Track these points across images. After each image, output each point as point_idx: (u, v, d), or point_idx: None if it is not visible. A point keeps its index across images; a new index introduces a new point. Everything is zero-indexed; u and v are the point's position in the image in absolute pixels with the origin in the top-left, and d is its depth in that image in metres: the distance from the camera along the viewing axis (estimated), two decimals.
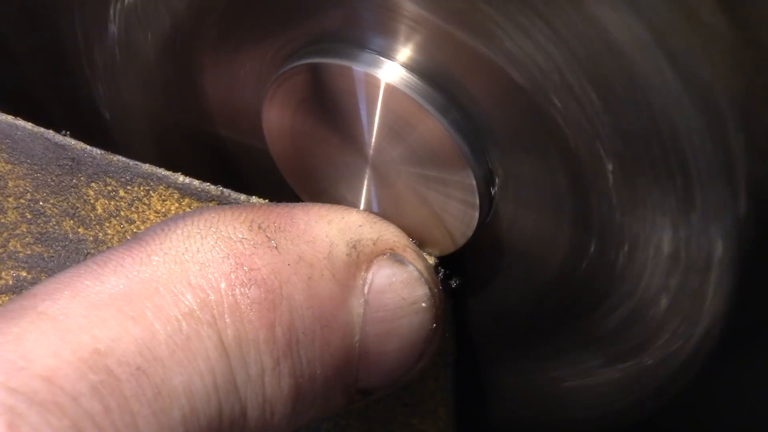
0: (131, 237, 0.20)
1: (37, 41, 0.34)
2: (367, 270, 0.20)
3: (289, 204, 0.21)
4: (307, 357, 0.19)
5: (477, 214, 0.27)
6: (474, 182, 0.26)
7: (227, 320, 0.18)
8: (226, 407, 0.18)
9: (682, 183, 0.24)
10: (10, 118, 0.27)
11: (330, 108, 0.27)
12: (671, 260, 0.26)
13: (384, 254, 0.21)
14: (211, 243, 0.19)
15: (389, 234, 0.21)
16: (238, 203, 0.29)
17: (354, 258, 0.20)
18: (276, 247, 0.19)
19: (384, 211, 0.29)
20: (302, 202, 0.30)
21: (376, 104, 0.26)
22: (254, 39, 0.28)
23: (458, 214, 0.27)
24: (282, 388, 0.19)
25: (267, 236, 0.19)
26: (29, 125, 0.28)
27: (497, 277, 0.30)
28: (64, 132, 0.29)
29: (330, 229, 0.20)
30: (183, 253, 0.19)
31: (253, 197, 0.29)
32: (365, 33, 0.25)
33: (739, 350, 0.28)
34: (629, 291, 0.27)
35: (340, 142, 0.27)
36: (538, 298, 0.30)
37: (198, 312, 0.18)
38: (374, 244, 0.20)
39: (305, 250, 0.19)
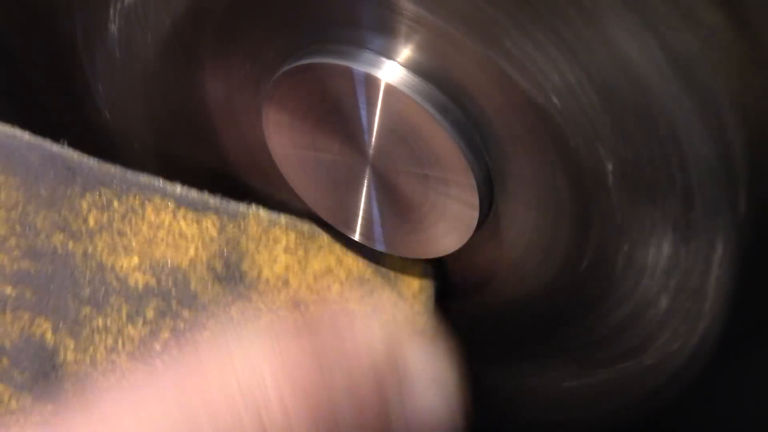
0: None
1: (36, 41, 0.34)
2: (401, 360, 0.21)
3: (325, 309, 0.22)
4: None
5: (477, 214, 0.27)
6: (474, 182, 0.26)
7: (271, 411, 0.18)
8: None
9: (682, 183, 0.24)
10: (7, 128, 0.27)
11: (330, 108, 0.27)
12: (671, 260, 0.26)
13: (408, 337, 0.21)
14: (265, 335, 0.19)
15: (404, 322, 0.22)
16: (237, 214, 0.28)
17: (390, 353, 0.21)
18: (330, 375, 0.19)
19: (384, 212, 0.29)
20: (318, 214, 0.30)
21: (376, 104, 0.26)
22: (254, 39, 0.28)
23: (458, 214, 0.27)
24: None
25: (326, 376, 0.19)
26: (26, 135, 0.27)
27: (497, 278, 0.30)
28: (62, 141, 0.29)
29: (367, 332, 0.21)
30: (227, 343, 0.19)
31: (253, 206, 0.29)
32: (365, 33, 0.25)
33: (739, 350, 0.28)
34: (629, 291, 0.27)
35: (340, 142, 0.27)
36: (538, 298, 0.30)
37: (241, 400, 0.18)
38: (399, 333, 0.21)
39: (353, 360, 0.20)
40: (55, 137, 0.28)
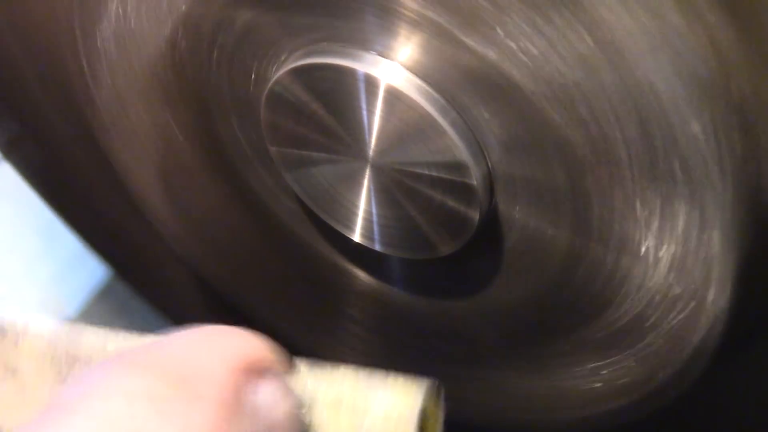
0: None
1: (35, 41, 0.34)
2: (257, 391, 0.22)
3: (164, 338, 0.22)
4: None
5: (477, 215, 0.27)
6: (474, 182, 0.26)
7: None
8: None
9: (683, 184, 0.24)
10: None
11: (330, 108, 0.27)
12: (671, 261, 0.26)
13: (265, 371, 0.22)
14: (146, 409, 0.19)
15: (265, 352, 0.22)
16: None
17: (249, 384, 0.21)
18: (197, 396, 0.20)
19: (383, 212, 0.29)
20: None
21: (376, 104, 0.26)
22: (254, 39, 0.28)
23: (458, 214, 0.27)
24: None
25: (186, 388, 0.20)
26: None
27: (497, 278, 0.30)
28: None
29: (224, 363, 0.21)
30: (121, 423, 0.19)
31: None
32: (366, 34, 0.25)
33: (739, 351, 0.29)
34: (629, 292, 0.27)
35: (340, 142, 0.27)
36: (537, 299, 0.30)
37: None
38: (259, 364, 0.22)
39: (219, 393, 0.21)
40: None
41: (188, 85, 0.31)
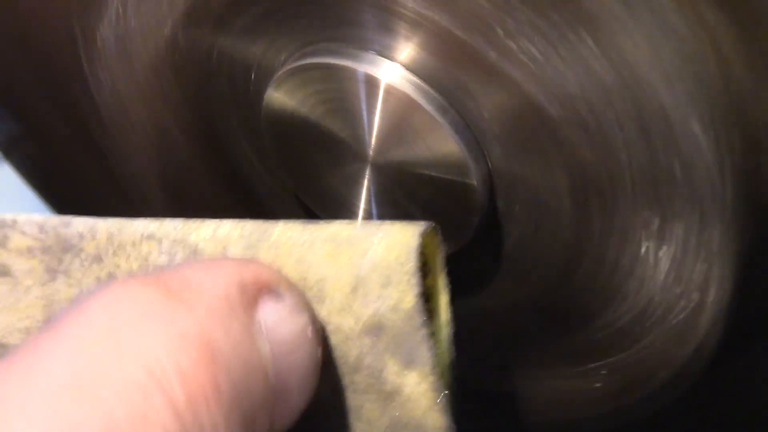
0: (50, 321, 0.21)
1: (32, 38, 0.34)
2: (256, 310, 0.21)
3: (175, 266, 0.22)
4: (246, 404, 0.20)
5: (477, 215, 0.27)
6: (474, 182, 0.26)
7: (175, 385, 0.19)
8: None
9: (683, 183, 0.24)
10: None
11: (330, 108, 0.27)
12: (671, 261, 0.26)
13: (265, 291, 0.21)
14: (133, 312, 0.19)
15: (264, 272, 0.22)
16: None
17: (245, 301, 0.21)
18: (188, 305, 0.20)
19: (383, 212, 0.29)
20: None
21: (376, 104, 0.26)
22: (254, 39, 0.28)
23: (458, 214, 0.27)
24: None
25: (178, 297, 0.20)
26: None
27: (497, 279, 0.30)
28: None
29: (218, 278, 0.21)
30: (111, 327, 0.19)
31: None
32: (365, 33, 0.25)
33: (739, 351, 0.29)
34: (629, 292, 0.27)
35: (340, 142, 0.27)
36: (537, 299, 0.30)
37: (147, 383, 0.18)
38: (255, 284, 0.21)
39: (210, 303, 0.20)
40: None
41: (188, 85, 0.31)
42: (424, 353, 0.23)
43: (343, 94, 0.26)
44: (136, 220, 0.23)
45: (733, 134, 0.23)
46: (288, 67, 0.27)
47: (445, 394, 0.23)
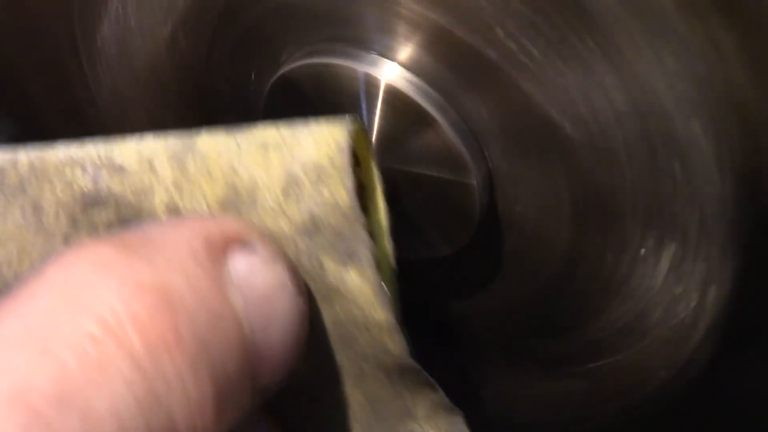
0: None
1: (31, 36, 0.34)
2: (225, 262, 0.21)
3: (136, 225, 0.22)
4: (215, 354, 0.19)
5: (477, 215, 0.27)
6: (474, 182, 0.26)
7: (131, 334, 0.18)
8: (154, 421, 0.18)
9: (683, 183, 0.24)
10: None
11: (330, 108, 0.27)
12: (671, 261, 0.26)
13: (234, 244, 0.21)
14: (88, 268, 0.19)
15: (232, 224, 0.21)
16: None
17: (212, 254, 0.20)
18: (147, 259, 0.20)
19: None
20: None
21: (376, 104, 0.26)
22: (254, 39, 0.28)
23: (458, 214, 0.27)
24: (204, 389, 0.19)
25: (134, 251, 0.20)
26: None
27: (496, 279, 0.30)
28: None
29: (182, 233, 0.21)
30: (65, 284, 0.19)
31: None
32: (365, 33, 0.25)
33: (739, 350, 0.28)
34: (629, 292, 0.27)
35: None
36: (536, 299, 0.30)
37: (100, 333, 0.18)
38: (222, 237, 0.21)
39: (171, 255, 0.20)
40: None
41: (188, 85, 0.31)
42: (361, 249, 0.22)
43: (343, 94, 0.26)
44: (56, 145, 0.23)
45: (733, 134, 0.23)
46: (288, 67, 0.27)
47: (385, 289, 0.22)
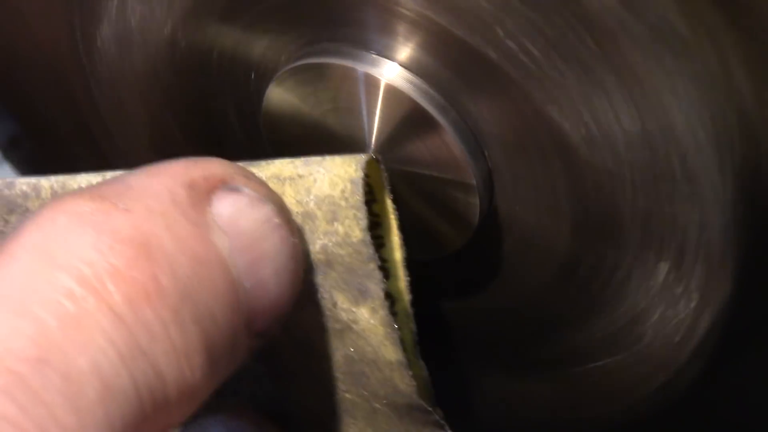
0: None
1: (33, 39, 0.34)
2: (209, 205, 0.20)
3: (116, 173, 0.21)
4: (201, 300, 0.19)
5: (477, 215, 0.27)
6: (474, 182, 0.26)
7: (110, 286, 0.18)
8: (139, 375, 0.18)
9: (683, 183, 0.24)
10: None
11: (330, 108, 0.27)
12: (671, 261, 0.26)
13: (218, 187, 0.20)
14: (64, 223, 0.19)
15: (216, 168, 0.21)
16: None
17: (195, 197, 0.20)
18: (125, 208, 0.19)
19: None
20: None
21: (376, 104, 0.26)
22: (254, 39, 0.28)
23: (458, 214, 0.27)
24: (190, 337, 0.18)
25: (112, 202, 0.19)
26: None
27: (496, 278, 0.30)
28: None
29: (162, 180, 0.20)
30: (41, 241, 0.18)
31: None
32: (365, 33, 0.25)
33: (739, 351, 0.28)
34: (629, 292, 0.27)
35: (340, 142, 0.27)
36: (536, 299, 0.30)
37: (78, 288, 0.18)
38: (206, 181, 0.20)
39: (151, 203, 0.19)
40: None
41: (188, 85, 0.31)
42: (373, 287, 0.22)
43: (343, 94, 0.26)
44: (78, 175, 0.23)
45: (733, 134, 0.23)
46: (288, 66, 0.27)
47: (396, 327, 0.22)
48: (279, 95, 0.27)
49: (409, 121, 0.26)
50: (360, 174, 0.21)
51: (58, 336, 0.17)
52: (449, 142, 0.25)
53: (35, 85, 0.37)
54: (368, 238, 0.21)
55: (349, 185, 0.21)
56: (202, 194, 0.20)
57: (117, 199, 0.19)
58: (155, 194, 0.20)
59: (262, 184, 0.22)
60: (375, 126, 0.26)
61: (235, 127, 0.31)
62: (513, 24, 0.23)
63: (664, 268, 0.26)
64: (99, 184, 0.20)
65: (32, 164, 0.44)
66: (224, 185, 0.21)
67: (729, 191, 0.24)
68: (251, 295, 0.20)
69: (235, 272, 0.20)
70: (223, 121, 0.31)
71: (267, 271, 0.20)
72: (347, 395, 0.24)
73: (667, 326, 0.27)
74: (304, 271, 0.22)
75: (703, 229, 0.25)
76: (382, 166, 0.24)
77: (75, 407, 0.17)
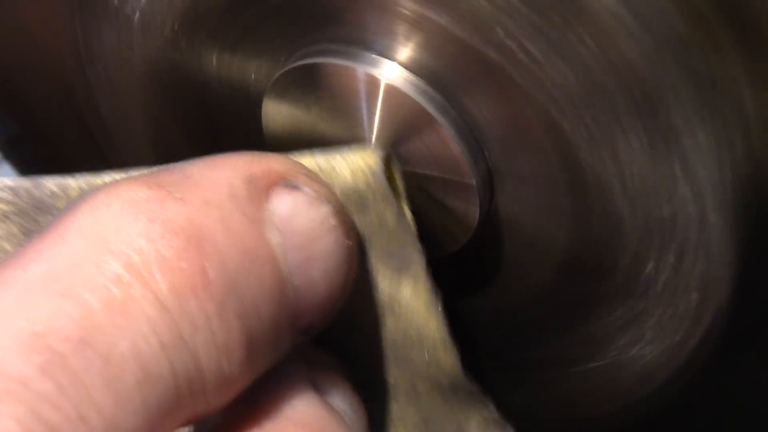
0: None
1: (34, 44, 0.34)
2: (267, 201, 0.20)
3: (176, 163, 0.21)
4: (246, 295, 0.19)
5: (477, 215, 0.27)
6: (474, 182, 0.26)
7: (157, 275, 0.18)
8: (179, 364, 0.18)
9: (683, 183, 0.24)
10: None
11: (330, 108, 0.27)
12: (671, 261, 0.26)
13: (278, 183, 0.20)
14: (118, 208, 0.19)
15: (278, 164, 0.21)
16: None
17: (253, 192, 0.20)
18: (180, 198, 0.19)
19: None
20: None
21: (376, 104, 0.26)
22: (254, 39, 0.28)
23: (458, 214, 0.27)
24: (232, 331, 0.18)
25: (168, 191, 0.19)
26: None
27: (496, 278, 0.30)
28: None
29: (222, 172, 0.20)
30: (94, 225, 0.18)
31: None
32: (365, 33, 0.25)
33: (740, 350, 0.28)
34: (628, 292, 0.27)
35: (340, 142, 0.27)
36: (536, 299, 0.30)
37: (126, 275, 0.18)
38: (266, 176, 0.20)
39: (208, 195, 0.19)
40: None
41: (188, 85, 0.31)
42: (414, 261, 0.22)
43: (343, 95, 0.26)
44: (105, 173, 0.23)
45: (733, 135, 0.23)
46: (288, 67, 0.27)
47: (438, 304, 0.22)
48: (279, 95, 0.27)
49: (409, 121, 0.26)
50: (378, 163, 0.22)
51: (102, 320, 0.17)
52: (449, 142, 0.25)
53: (35, 86, 0.37)
54: (402, 216, 0.22)
55: (369, 175, 0.22)
56: (261, 189, 0.20)
57: (173, 188, 0.19)
58: (213, 186, 0.20)
59: (322, 184, 0.22)
60: (375, 126, 0.26)
61: (236, 127, 0.31)
62: (513, 24, 0.23)
63: (663, 268, 0.26)
64: (157, 172, 0.20)
65: (32, 164, 0.44)
66: (284, 182, 0.21)
67: (729, 191, 0.24)
68: (299, 293, 0.20)
69: (285, 269, 0.20)
70: (223, 121, 0.31)
71: (318, 271, 0.21)
72: (389, 379, 0.24)
73: (667, 326, 0.27)
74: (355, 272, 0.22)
75: (703, 228, 0.25)
76: (395, 160, 0.24)
77: (113, 391, 0.17)
